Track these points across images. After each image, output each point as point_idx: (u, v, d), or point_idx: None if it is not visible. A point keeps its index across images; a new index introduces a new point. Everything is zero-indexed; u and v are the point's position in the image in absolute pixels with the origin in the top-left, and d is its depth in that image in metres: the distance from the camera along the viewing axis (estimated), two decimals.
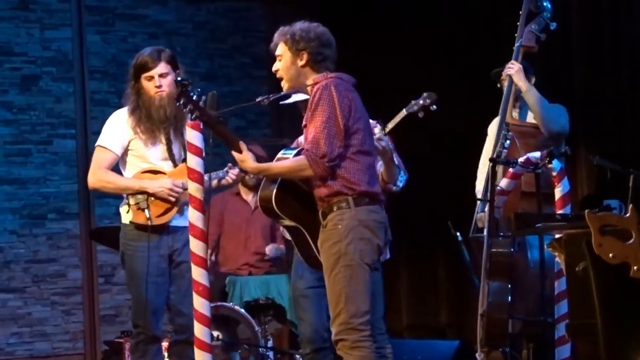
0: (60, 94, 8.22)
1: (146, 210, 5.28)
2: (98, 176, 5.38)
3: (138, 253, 5.30)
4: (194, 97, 4.66)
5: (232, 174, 5.49)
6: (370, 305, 4.51)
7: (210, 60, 8.64)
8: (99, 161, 5.38)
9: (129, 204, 5.32)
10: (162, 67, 5.29)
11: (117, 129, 5.37)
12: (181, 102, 4.68)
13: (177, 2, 8.65)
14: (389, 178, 5.22)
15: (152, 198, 5.30)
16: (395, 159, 5.25)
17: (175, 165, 5.37)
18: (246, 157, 4.59)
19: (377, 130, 5.14)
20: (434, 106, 5.19)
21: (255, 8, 8.93)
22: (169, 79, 5.27)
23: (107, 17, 8.42)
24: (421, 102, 5.21)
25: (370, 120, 5.23)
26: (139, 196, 5.29)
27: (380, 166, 5.22)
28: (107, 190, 5.53)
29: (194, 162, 4.76)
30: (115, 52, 8.40)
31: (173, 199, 5.31)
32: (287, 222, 4.70)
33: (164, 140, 5.34)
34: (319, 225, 4.59)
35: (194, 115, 4.68)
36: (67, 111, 8.23)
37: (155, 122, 5.30)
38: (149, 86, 5.30)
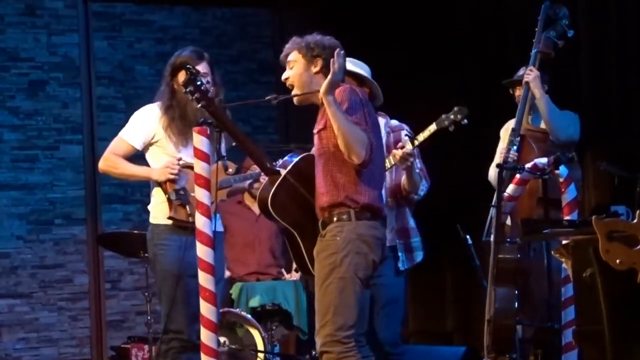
0: (67, 99, 8.23)
1: (188, 207, 5.15)
2: (108, 161, 5.33)
3: (171, 253, 5.16)
4: (202, 87, 4.64)
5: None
6: (358, 319, 4.49)
7: (216, 66, 8.60)
8: (114, 148, 5.34)
9: (170, 200, 5.19)
10: (204, 67, 5.20)
11: (144, 125, 5.29)
12: (188, 90, 4.66)
13: (184, 8, 8.66)
14: (410, 187, 5.19)
15: (193, 194, 5.15)
16: (417, 165, 5.23)
17: None
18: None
19: (404, 138, 5.11)
20: (465, 120, 5.16)
21: (262, 14, 8.94)
22: (209, 80, 5.15)
23: (114, 22, 8.43)
24: (452, 117, 5.17)
25: (400, 123, 5.25)
26: (181, 192, 5.17)
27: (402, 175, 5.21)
28: (113, 175, 5.45)
29: (201, 167, 4.76)
30: (122, 57, 8.42)
31: (174, 176, 5.16)
32: (282, 225, 4.68)
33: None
34: (314, 233, 4.57)
35: (200, 104, 4.66)
36: (74, 117, 8.24)
37: (190, 123, 5.16)
38: None
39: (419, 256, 5.35)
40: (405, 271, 5.33)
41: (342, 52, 4.46)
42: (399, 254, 5.25)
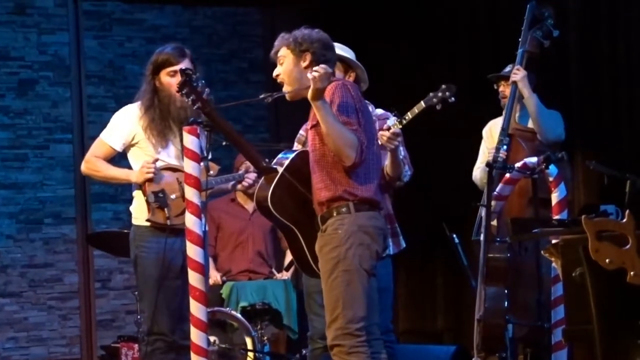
0: (57, 98, 8.22)
1: (166, 209, 5.14)
2: (89, 164, 5.32)
3: (153, 255, 5.16)
4: (198, 88, 4.63)
5: (250, 177, 5.39)
6: (367, 311, 4.50)
7: (207, 65, 8.63)
8: (95, 151, 5.33)
9: (148, 203, 5.17)
10: (186, 64, 5.13)
11: (124, 126, 5.26)
12: (184, 92, 4.65)
13: (174, 7, 8.65)
14: (393, 172, 5.11)
15: (173, 196, 5.19)
16: (401, 152, 5.16)
17: None
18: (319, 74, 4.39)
19: (390, 121, 5.07)
20: (453, 98, 5.12)
21: (253, 13, 8.94)
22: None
23: (104, 21, 8.42)
24: (440, 94, 5.12)
25: (385, 112, 5.22)
26: (160, 194, 5.15)
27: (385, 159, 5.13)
28: (95, 178, 5.49)
29: (191, 167, 4.75)
30: (112, 56, 8.40)
31: (150, 175, 5.15)
32: (283, 223, 4.66)
33: (177, 143, 5.19)
34: (314, 230, 4.57)
35: (196, 106, 4.65)
36: (64, 116, 8.23)
37: (173, 122, 5.17)
38: (170, 82, 5.14)
39: (403, 241, 5.32)
40: (392, 257, 5.30)
41: (322, 65, 4.41)
42: (388, 239, 5.19)
